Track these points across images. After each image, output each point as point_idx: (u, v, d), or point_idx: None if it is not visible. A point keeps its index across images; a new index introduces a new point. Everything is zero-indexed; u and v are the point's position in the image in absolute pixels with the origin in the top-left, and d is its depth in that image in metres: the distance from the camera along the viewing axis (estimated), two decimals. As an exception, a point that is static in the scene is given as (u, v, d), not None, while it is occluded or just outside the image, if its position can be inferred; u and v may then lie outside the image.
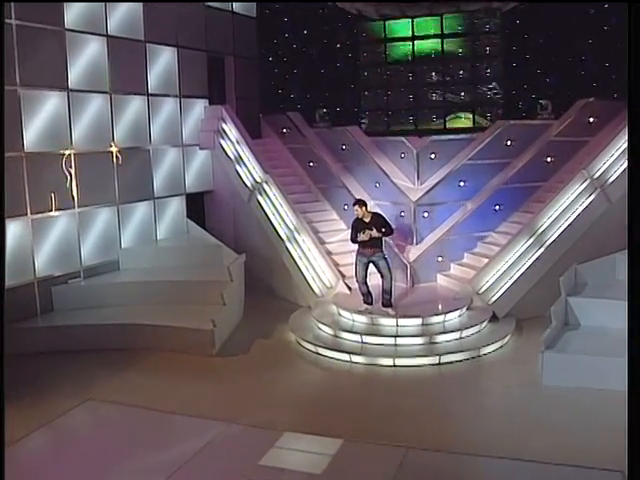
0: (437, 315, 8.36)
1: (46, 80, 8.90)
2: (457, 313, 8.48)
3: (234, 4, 12.53)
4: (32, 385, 7.25)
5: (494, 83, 13.85)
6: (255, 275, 10.57)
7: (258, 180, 10.72)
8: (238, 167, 11.10)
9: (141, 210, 10.59)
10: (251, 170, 10.89)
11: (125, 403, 6.75)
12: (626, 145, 8.95)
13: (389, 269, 8.41)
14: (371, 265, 8.48)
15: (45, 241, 9.01)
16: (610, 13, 12.16)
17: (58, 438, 6.36)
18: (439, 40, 14.10)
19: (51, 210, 9.01)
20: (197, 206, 11.83)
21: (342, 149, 11.33)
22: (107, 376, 7.50)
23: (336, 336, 8.33)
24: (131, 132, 10.30)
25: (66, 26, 9.15)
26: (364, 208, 8.46)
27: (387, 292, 8.41)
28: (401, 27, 14.41)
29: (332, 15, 14.23)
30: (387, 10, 14.02)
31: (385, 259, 8.45)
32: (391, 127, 14.58)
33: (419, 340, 8.00)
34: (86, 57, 9.49)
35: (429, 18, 14.07)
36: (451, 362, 7.65)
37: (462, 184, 9.99)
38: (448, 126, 14.21)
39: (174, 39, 11.09)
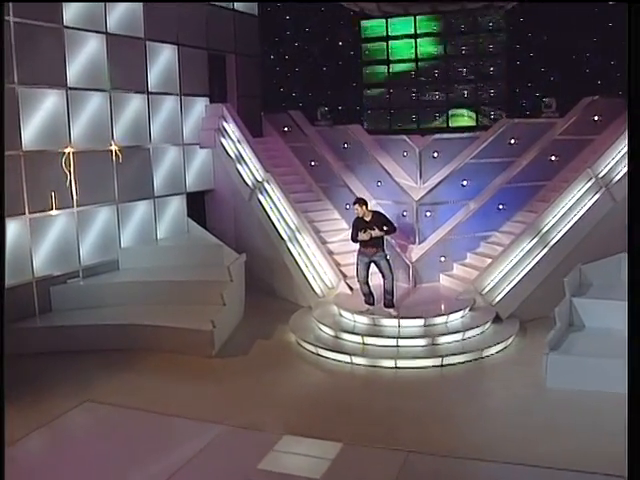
0: (440, 316, 8.27)
1: (44, 78, 8.81)
2: (460, 314, 8.39)
3: (236, 2, 12.44)
4: (30, 386, 7.18)
5: (497, 81, 13.73)
6: (256, 275, 10.49)
7: (259, 179, 10.64)
8: (239, 166, 11.02)
9: (141, 209, 10.51)
10: (252, 169, 10.81)
11: (124, 404, 6.69)
12: (631, 144, 8.83)
13: (390, 269, 8.31)
14: (373, 265, 8.38)
15: (43, 240, 8.93)
16: (615, 10, 12.03)
17: (56, 440, 6.29)
18: (442, 38, 13.99)
19: (51, 209, 8.94)
20: (198, 205, 11.75)
21: (344, 148, 11.25)
22: (106, 377, 7.44)
23: (337, 337, 8.24)
24: (131, 130, 10.21)
25: (65, 23, 9.07)
26: (364, 207, 8.36)
27: (389, 292, 8.32)
28: (404, 25, 14.31)
29: (334, 13, 14.15)
30: (390, 8, 13.92)
31: (387, 259, 8.36)
32: (393, 125, 14.48)
33: (421, 341, 7.90)
34: (85, 55, 9.40)
35: (432, 16, 13.96)
36: (454, 364, 7.56)
37: (465, 183, 9.90)
38: (451, 124, 14.12)
39: (175, 37, 11.00)
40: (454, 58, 14.05)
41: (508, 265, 8.74)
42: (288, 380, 7.37)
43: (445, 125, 14.14)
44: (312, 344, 8.14)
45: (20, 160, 8.48)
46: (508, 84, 13.64)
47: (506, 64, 13.62)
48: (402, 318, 8.19)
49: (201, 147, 11.53)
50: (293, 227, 10.02)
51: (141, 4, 10.22)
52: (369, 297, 8.49)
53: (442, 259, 9.63)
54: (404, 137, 10.40)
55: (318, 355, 8.01)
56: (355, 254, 8.58)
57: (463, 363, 7.58)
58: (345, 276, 9.45)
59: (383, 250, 8.38)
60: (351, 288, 9.24)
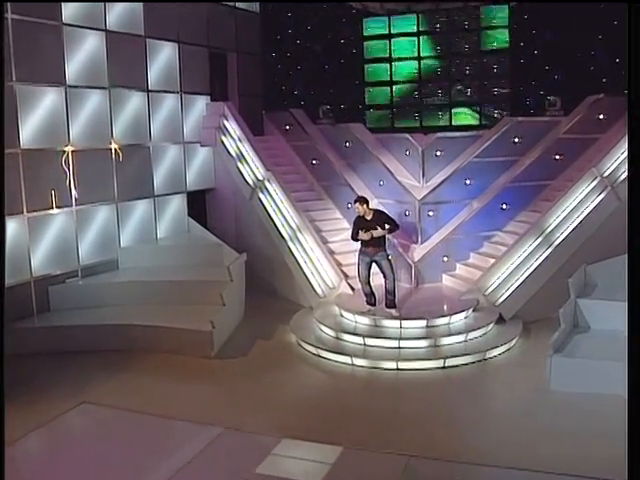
0: (442, 317, 8.17)
1: (43, 76, 8.74)
2: (463, 315, 8.28)
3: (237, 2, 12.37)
4: (27, 386, 7.11)
5: (501, 79, 13.60)
6: (257, 274, 10.41)
7: (260, 178, 10.55)
8: (240, 164, 10.94)
9: (141, 208, 10.42)
10: (253, 168, 10.74)
11: (121, 405, 6.61)
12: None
13: (392, 269, 8.20)
14: (374, 265, 8.28)
15: (42, 239, 8.85)
16: (620, 7, 11.88)
17: (52, 441, 6.22)
18: (445, 36, 13.87)
19: (52, 208, 8.87)
20: (198, 204, 11.67)
21: (346, 146, 11.15)
22: (104, 377, 7.38)
23: (338, 338, 8.15)
24: (131, 129, 10.13)
25: (64, 21, 8.98)
26: (365, 206, 8.25)
27: (390, 293, 8.21)
28: (406, 22, 14.20)
29: (336, 11, 14.04)
30: (392, 5, 13.81)
31: (388, 259, 8.25)
32: (396, 124, 14.37)
33: (423, 343, 7.80)
34: (84, 52, 9.32)
35: (434, 13, 13.84)
36: (456, 366, 7.45)
37: (468, 182, 9.79)
38: (454, 123, 14.00)
39: (175, 34, 10.92)
40: (457, 56, 13.92)
41: (512, 265, 8.64)
42: (288, 382, 7.28)
43: (448, 123, 14.02)
44: (313, 345, 8.05)
45: (18, 158, 8.41)
46: (512, 82, 13.51)
47: (510, 62, 13.48)
48: (404, 319, 8.09)
49: (202, 145, 11.45)
50: (294, 226, 9.93)
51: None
52: (370, 297, 8.39)
53: (445, 259, 9.53)
54: (407, 135, 10.31)
55: (319, 356, 7.92)
56: (356, 254, 8.47)
57: (466, 365, 7.48)
58: (346, 276, 9.35)
59: (385, 250, 8.27)
60: (352, 288, 9.14)
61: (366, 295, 8.42)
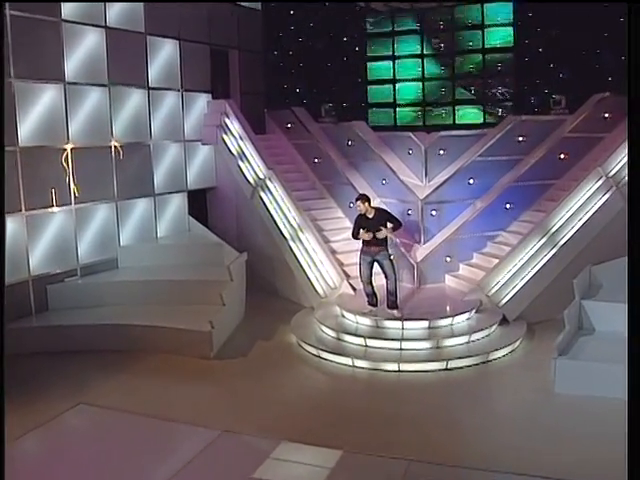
0: (445, 318, 8.06)
1: (42, 72, 8.65)
2: (465, 316, 8.17)
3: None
4: (25, 386, 7.04)
5: (505, 77, 13.47)
6: (258, 274, 10.32)
7: (261, 176, 10.46)
8: (241, 163, 10.86)
9: (141, 207, 10.34)
10: (254, 166, 10.65)
11: (119, 406, 6.54)
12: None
13: (394, 269, 8.10)
14: (376, 265, 8.18)
15: (40, 238, 8.77)
16: (625, 5, 11.74)
17: (48, 443, 6.13)
18: (448, 33, 13.76)
19: (52, 206, 8.80)
20: (199, 203, 11.58)
21: (348, 145, 11.06)
22: (102, 378, 7.31)
23: (339, 339, 8.05)
24: (131, 126, 10.04)
25: (63, 17, 8.89)
26: (367, 204, 8.15)
27: (392, 293, 8.10)
28: (409, 20, 14.08)
29: (339, 8, 13.93)
30: (395, 2, 13.69)
31: (390, 259, 8.14)
32: (398, 122, 14.26)
33: (425, 344, 7.69)
34: (84, 49, 9.22)
35: (438, 10, 13.73)
36: (459, 367, 7.34)
37: (472, 181, 9.69)
38: (457, 121, 13.89)
39: (176, 31, 10.82)
40: (461, 53, 13.80)
41: (515, 266, 8.53)
42: (288, 383, 7.19)
43: (451, 122, 13.91)
44: (313, 346, 7.95)
45: (16, 156, 8.32)
46: (516, 80, 13.38)
47: (514, 59, 13.35)
48: (406, 320, 7.98)
49: (203, 144, 11.36)
50: (295, 225, 9.84)
51: (142, -2, 10.07)
52: (372, 298, 8.29)
53: (448, 259, 9.43)
54: (409, 134, 10.21)
55: (319, 357, 7.82)
56: (358, 253, 8.37)
57: (469, 367, 7.37)
58: (348, 276, 9.25)
59: (387, 249, 8.17)
60: (354, 288, 9.04)
61: (368, 295, 8.32)
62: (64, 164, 8.91)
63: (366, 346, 7.78)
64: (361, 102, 14.44)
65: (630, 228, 4.05)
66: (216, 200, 11.71)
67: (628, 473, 3.43)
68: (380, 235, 7.98)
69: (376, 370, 7.41)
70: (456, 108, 14.04)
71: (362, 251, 8.21)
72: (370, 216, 8.13)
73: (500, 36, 13.47)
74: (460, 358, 7.42)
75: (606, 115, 9.97)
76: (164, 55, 10.64)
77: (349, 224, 10.14)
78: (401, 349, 7.66)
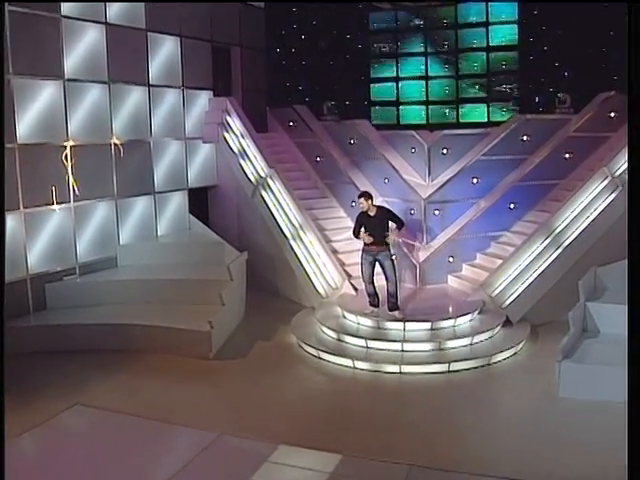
0: (447, 319, 7.96)
1: (41, 69, 8.56)
2: (468, 317, 8.07)
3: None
4: (21, 386, 6.97)
5: (510, 75, 13.33)
6: (259, 273, 10.24)
7: (262, 175, 10.37)
8: (242, 161, 10.77)
9: (141, 205, 10.25)
10: (255, 164, 10.55)
11: (116, 407, 6.46)
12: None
13: (394, 271, 8.00)
14: (378, 264, 8.07)
15: (39, 236, 8.69)
16: (626, 4, 11.59)
17: (43, 444, 6.05)
18: (452, 30, 13.63)
19: (52, 204, 8.72)
20: (200, 201, 11.50)
21: (350, 143, 10.95)
22: (100, 378, 7.23)
23: (340, 340, 7.96)
24: (131, 124, 9.95)
25: (62, 13, 8.80)
26: (370, 201, 8.05)
27: (392, 295, 8.00)
28: (413, 17, 13.95)
29: (342, 5, 13.80)
30: (399, 1, 13.57)
31: (391, 259, 8.04)
32: (401, 120, 14.14)
33: (427, 346, 7.59)
34: (84, 45, 9.13)
35: (442, 7, 13.59)
36: (461, 370, 7.24)
37: (475, 181, 9.58)
38: (461, 120, 13.75)
39: (177, 28, 10.73)
40: (465, 51, 13.66)
41: (519, 267, 8.42)
42: (287, 385, 7.09)
43: (455, 121, 13.77)
44: (314, 347, 7.86)
45: (15, 153, 8.25)
46: (521, 79, 13.24)
47: (519, 58, 13.21)
48: (407, 321, 7.88)
49: (204, 142, 11.27)
50: (297, 225, 9.74)
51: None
52: (374, 298, 8.18)
53: (450, 259, 9.33)
54: (412, 132, 10.12)
55: (320, 358, 7.73)
56: (360, 253, 8.27)
57: (471, 369, 7.26)
58: (350, 276, 9.15)
59: (388, 249, 8.06)
60: (356, 289, 8.95)
61: (369, 295, 8.22)
62: (64, 162, 8.82)
63: (367, 347, 7.69)
64: (364, 100, 14.31)
65: (630, 228, 4.01)
66: (217, 198, 11.62)
67: (628, 474, 3.32)
68: (389, 240, 7.99)
69: (377, 372, 7.31)
70: (460, 106, 13.91)
71: (364, 250, 8.12)
72: (372, 214, 8.04)
73: (504, 34, 13.31)
74: (462, 360, 7.32)
75: (612, 114, 9.85)
76: (165, 52, 10.54)
77: (351, 223, 10.00)
78: (403, 351, 7.56)
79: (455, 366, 7.24)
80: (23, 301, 8.50)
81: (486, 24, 13.41)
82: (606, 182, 8.63)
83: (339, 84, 13.89)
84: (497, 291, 8.41)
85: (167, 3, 10.39)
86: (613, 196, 8.58)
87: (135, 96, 10.01)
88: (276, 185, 10.14)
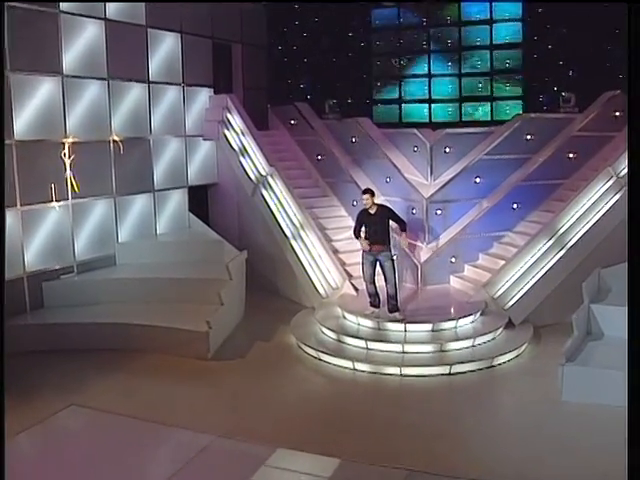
0: (449, 320, 7.86)
1: (39, 65, 8.50)
2: (470, 319, 7.97)
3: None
4: (17, 386, 6.86)
5: (514, 74, 13.22)
6: (259, 273, 10.16)
7: (263, 173, 10.28)
8: (242, 159, 10.68)
9: (140, 203, 10.18)
10: (256, 163, 10.47)
11: (112, 408, 6.38)
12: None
13: (394, 272, 7.89)
14: (379, 264, 7.98)
15: (36, 233, 8.62)
16: (626, 4, 11.46)
17: (39, 444, 5.97)
18: (456, 28, 13.50)
19: (50, 201, 8.65)
20: (200, 199, 11.42)
21: (352, 141, 10.86)
22: (97, 378, 7.17)
23: (340, 341, 7.86)
24: (130, 121, 9.88)
25: (61, 8, 8.72)
26: (374, 198, 8.01)
27: (392, 297, 7.90)
28: (415, 14, 13.85)
29: (344, 2, 13.69)
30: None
31: (392, 260, 7.94)
32: (404, 119, 14.03)
33: (428, 347, 7.49)
34: (83, 41, 9.07)
35: (445, 4, 13.46)
36: (462, 372, 7.14)
37: (478, 180, 9.49)
38: (464, 119, 13.64)
39: (178, 25, 10.65)
40: (468, 49, 13.54)
41: (522, 267, 8.33)
42: (286, 386, 7.00)
43: (458, 119, 13.66)
44: (313, 348, 7.76)
45: (12, 150, 8.17)
46: (525, 77, 13.12)
47: (523, 57, 13.09)
48: (408, 322, 7.78)
49: (204, 139, 11.19)
50: (297, 224, 9.66)
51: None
52: (374, 298, 8.09)
53: (452, 260, 9.22)
54: (415, 131, 10.01)
55: (319, 360, 7.64)
56: (361, 252, 8.17)
57: (472, 372, 7.17)
58: (350, 276, 9.06)
59: (389, 250, 7.96)
60: (356, 289, 8.86)
61: (370, 296, 8.12)
62: (62, 158, 8.74)
63: (367, 349, 7.59)
64: (366, 98, 14.21)
65: (630, 229, 3.95)
66: (217, 196, 11.54)
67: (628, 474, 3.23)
68: (403, 246, 8.13)
69: (377, 374, 7.21)
70: (463, 105, 13.80)
71: (364, 250, 8.02)
72: (372, 212, 7.95)
73: (508, 32, 13.19)
74: (464, 362, 7.23)
75: (617, 113, 9.77)
76: (165, 48, 10.47)
77: (352, 223, 9.89)
78: (403, 352, 7.46)
79: (456, 368, 7.15)
80: (20, 299, 8.42)
81: (490, 22, 13.30)
82: (611, 182, 8.54)
83: (341, 82, 13.80)
84: (499, 292, 8.32)
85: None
86: (618, 196, 8.49)
87: (135, 93, 9.93)
88: (277, 183, 10.06)
